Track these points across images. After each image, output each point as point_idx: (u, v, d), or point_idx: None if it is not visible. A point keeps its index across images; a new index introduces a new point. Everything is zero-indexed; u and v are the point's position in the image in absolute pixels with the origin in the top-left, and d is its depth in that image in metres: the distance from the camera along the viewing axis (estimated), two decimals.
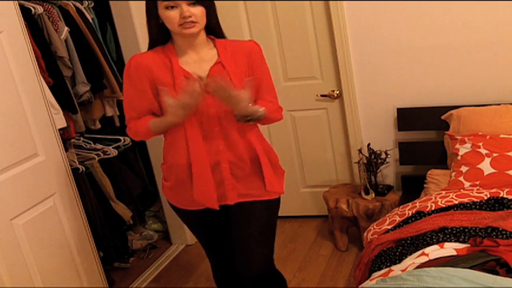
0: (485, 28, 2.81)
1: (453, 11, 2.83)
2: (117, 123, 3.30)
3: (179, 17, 1.75)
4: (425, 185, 2.73)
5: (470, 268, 1.55)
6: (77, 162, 2.91)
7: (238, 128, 1.88)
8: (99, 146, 3.20)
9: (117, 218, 3.17)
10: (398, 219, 2.24)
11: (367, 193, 3.01)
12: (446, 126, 2.86)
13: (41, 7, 2.69)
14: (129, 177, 3.40)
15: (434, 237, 1.90)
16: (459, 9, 2.82)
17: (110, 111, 3.21)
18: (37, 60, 2.37)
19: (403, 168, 3.21)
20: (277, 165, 2.04)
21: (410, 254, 1.85)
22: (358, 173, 3.24)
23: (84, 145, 3.17)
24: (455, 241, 1.83)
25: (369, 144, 3.09)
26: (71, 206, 2.46)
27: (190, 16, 1.74)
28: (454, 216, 2.03)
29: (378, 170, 3.06)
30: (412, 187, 2.99)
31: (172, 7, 1.75)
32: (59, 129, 2.53)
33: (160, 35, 1.87)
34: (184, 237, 3.51)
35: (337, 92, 3.25)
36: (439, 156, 2.93)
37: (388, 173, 3.28)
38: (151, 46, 1.91)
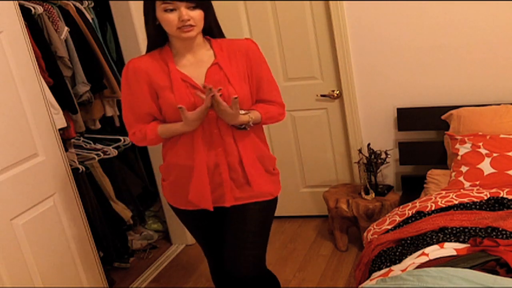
0: (485, 28, 2.81)
1: (453, 11, 2.83)
2: (117, 123, 3.30)
3: (177, 20, 1.73)
4: (425, 185, 2.73)
5: (470, 268, 1.55)
6: (77, 162, 2.91)
7: (233, 133, 1.88)
8: (99, 146, 3.19)
9: (117, 218, 3.17)
10: (398, 219, 2.24)
11: (367, 193, 3.01)
12: (446, 126, 2.86)
13: (41, 7, 2.69)
14: (129, 177, 3.40)
15: (434, 237, 1.90)
16: (459, 9, 2.82)
17: (110, 111, 3.21)
18: (37, 60, 2.37)
19: (403, 168, 3.21)
20: (271, 171, 2.01)
21: (410, 254, 1.84)
22: (358, 173, 3.24)
23: (84, 145, 3.17)
24: (455, 241, 1.83)
25: (369, 144, 3.09)
26: (71, 206, 2.46)
27: (189, 20, 1.73)
28: (454, 216, 2.03)
29: (378, 170, 3.06)
30: (412, 187, 2.99)
31: (171, 10, 1.74)
32: (59, 129, 2.53)
33: (158, 36, 1.86)
34: (184, 237, 3.51)
35: (337, 92, 3.25)
36: (439, 156, 2.93)
37: (388, 173, 3.28)
38: (150, 47, 1.91)
